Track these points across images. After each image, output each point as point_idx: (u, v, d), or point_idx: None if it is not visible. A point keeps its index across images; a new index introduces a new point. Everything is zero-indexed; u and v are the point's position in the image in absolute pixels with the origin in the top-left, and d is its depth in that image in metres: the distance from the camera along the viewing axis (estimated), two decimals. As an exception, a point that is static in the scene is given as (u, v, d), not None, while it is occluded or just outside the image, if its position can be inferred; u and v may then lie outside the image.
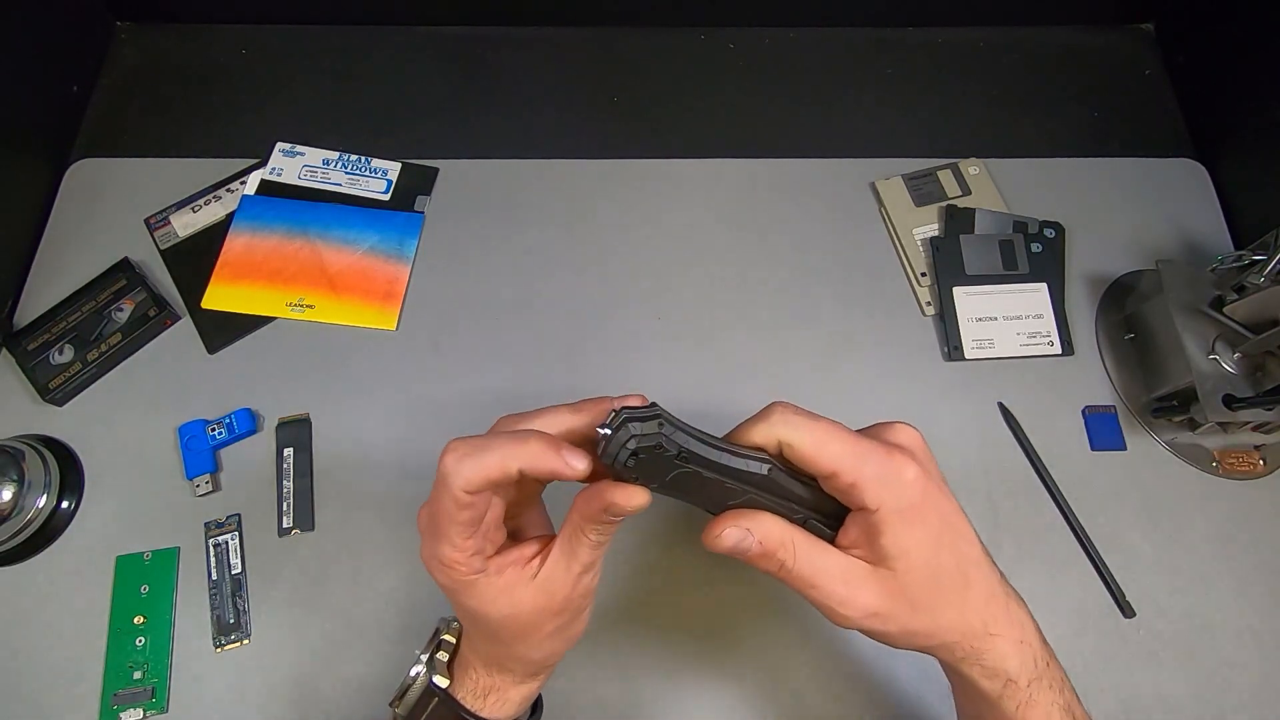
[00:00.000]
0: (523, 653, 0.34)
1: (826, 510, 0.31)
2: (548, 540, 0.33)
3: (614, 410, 0.28)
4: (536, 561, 0.32)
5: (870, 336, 0.59)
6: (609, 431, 0.28)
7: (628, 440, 0.27)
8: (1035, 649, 0.32)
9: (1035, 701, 0.32)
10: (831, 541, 0.31)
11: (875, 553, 0.30)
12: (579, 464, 0.29)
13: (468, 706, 0.35)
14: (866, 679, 0.49)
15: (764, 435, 0.30)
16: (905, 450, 0.30)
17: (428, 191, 0.64)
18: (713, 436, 0.30)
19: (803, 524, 0.31)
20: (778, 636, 0.50)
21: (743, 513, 0.30)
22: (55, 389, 0.55)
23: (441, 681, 0.35)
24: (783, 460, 0.30)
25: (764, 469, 0.29)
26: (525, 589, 0.32)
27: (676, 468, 0.28)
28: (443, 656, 0.36)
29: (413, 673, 0.36)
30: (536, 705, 0.40)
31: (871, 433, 0.31)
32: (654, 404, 0.29)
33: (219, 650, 0.49)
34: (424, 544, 0.31)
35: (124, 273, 0.59)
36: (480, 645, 0.35)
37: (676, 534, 0.52)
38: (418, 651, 0.37)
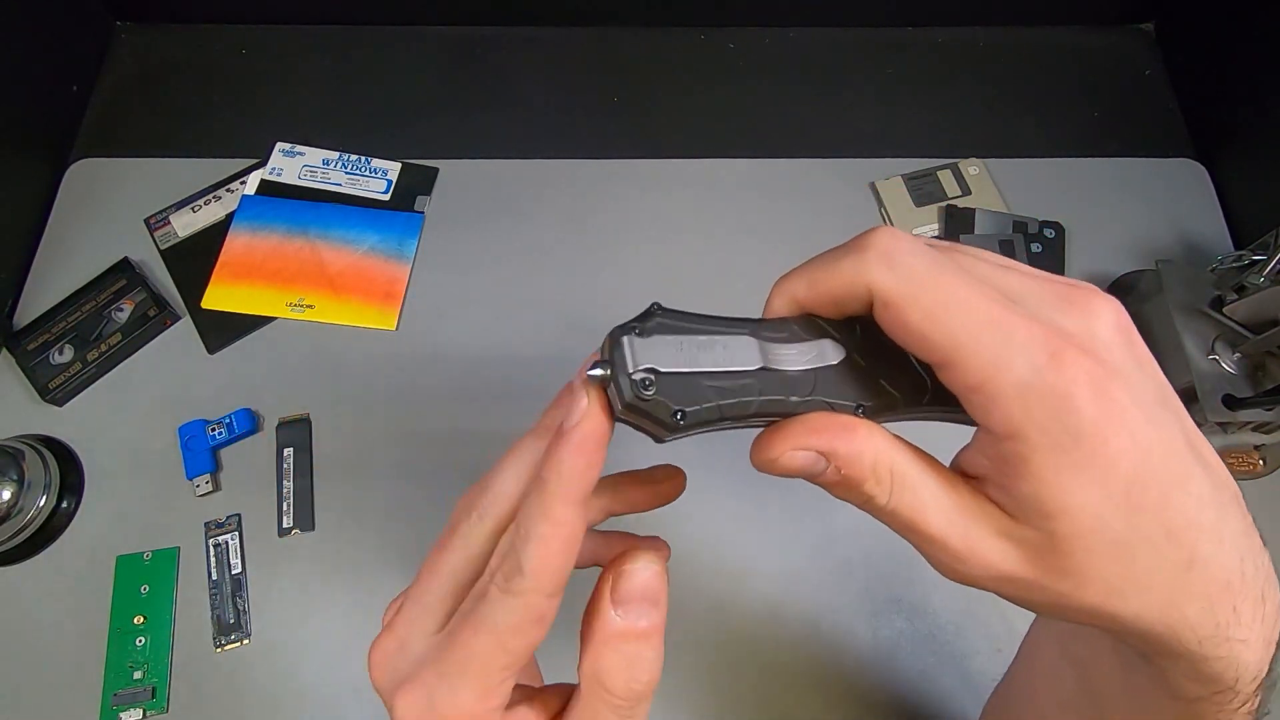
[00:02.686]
0: None
1: (942, 400, 0.21)
2: (560, 691, 0.22)
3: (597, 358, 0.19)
4: None
5: (870, 336, 0.59)
6: (600, 372, 0.19)
7: (634, 368, 0.18)
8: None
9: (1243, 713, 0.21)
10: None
11: (1014, 501, 0.19)
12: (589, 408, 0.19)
13: None
14: (868, 679, 0.49)
15: (849, 278, 0.20)
16: (1083, 345, 0.18)
17: (428, 191, 0.64)
18: (719, 321, 0.20)
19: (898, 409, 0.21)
20: (777, 633, 0.50)
21: (815, 422, 0.20)
22: (55, 389, 0.55)
23: None
24: (865, 331, 0.20)
25: (836, 356, 0.20)
26: None
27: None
28: None
29: None
30: None
31: (1039, 293, 0.19)
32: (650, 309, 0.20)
33: (219, 650, 0.49)
34: (411, 689, 0.20)
35: (124, 273, 0.59)
36: None
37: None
38: None
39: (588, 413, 0.18)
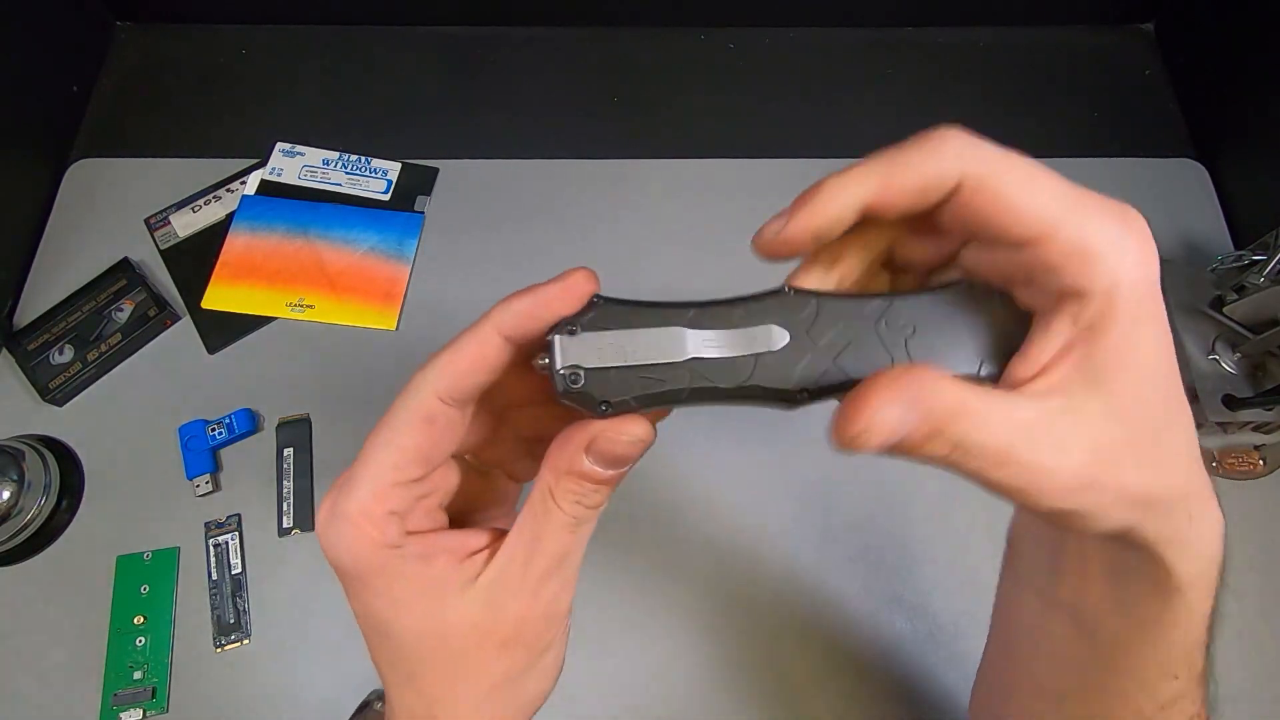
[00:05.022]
0: (453, 710, 0.23)
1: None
2: (503, 535, 0.23)
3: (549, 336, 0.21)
4: (482, 556, 0.23)
5: (870, 336, 0.59)
6: (542, 363, 0.21)
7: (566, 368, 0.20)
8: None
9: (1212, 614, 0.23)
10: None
11: (1091, 364, 0.19)
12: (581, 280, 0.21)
13: None
14: (876, 677, 0.49)
15: (935, 169, 0.20)
16: (1136, 217, 0.20)
17: (428, 191, 0.64)
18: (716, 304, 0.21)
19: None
20: (781, 631, 0.50)
21: (887, 379, 0.19)
22: (55, 389, 0.55)
23: None
24: (823, 310, 0.21)
25: (780, 341, 0.20)
26: (459, 595, 0.22)
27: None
28: None
29: None
30: None
31: (1090, 192, 0.21)
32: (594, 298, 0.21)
33: (219, 650, 0.49)
34: (323, 503, 0.23)
35: (124, 273, 0.59)
36: (395, 695, 0.24)
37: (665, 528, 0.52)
38: None
39: (560, 291, 0.22)
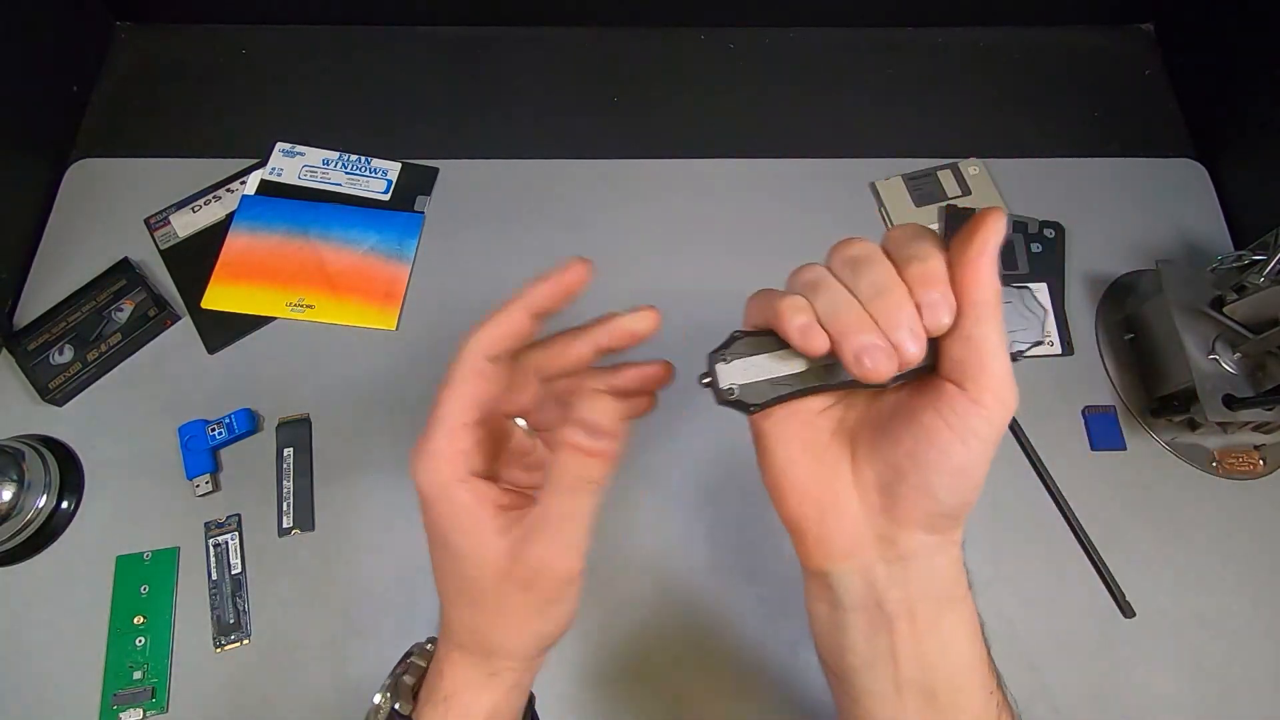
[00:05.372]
0: (493, 626, 0.30)
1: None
2: (529, 501, 0.30)
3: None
4: (514, 513, 0.29)
5: (870, 336, 0.59)
6: (707, 381, 0.29)
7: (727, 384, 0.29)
8: None
9: None
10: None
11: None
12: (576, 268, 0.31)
13: None
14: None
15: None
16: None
17: (428, 191, 0.64)
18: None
19: None
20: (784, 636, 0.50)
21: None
22: (55, 389, 0.55)
23: (404, 708, 0.31)
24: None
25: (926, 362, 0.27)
26: (495, 538, 0.28)
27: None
28: (409, 680, 0.32)
29: (375, 700, 0.32)
30: None
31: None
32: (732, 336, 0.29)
33: (219, 650, 0.49)
34: (417, 442, 0.29)
35: (124, 273, 0.59)
36: (448, 608, 0.31)
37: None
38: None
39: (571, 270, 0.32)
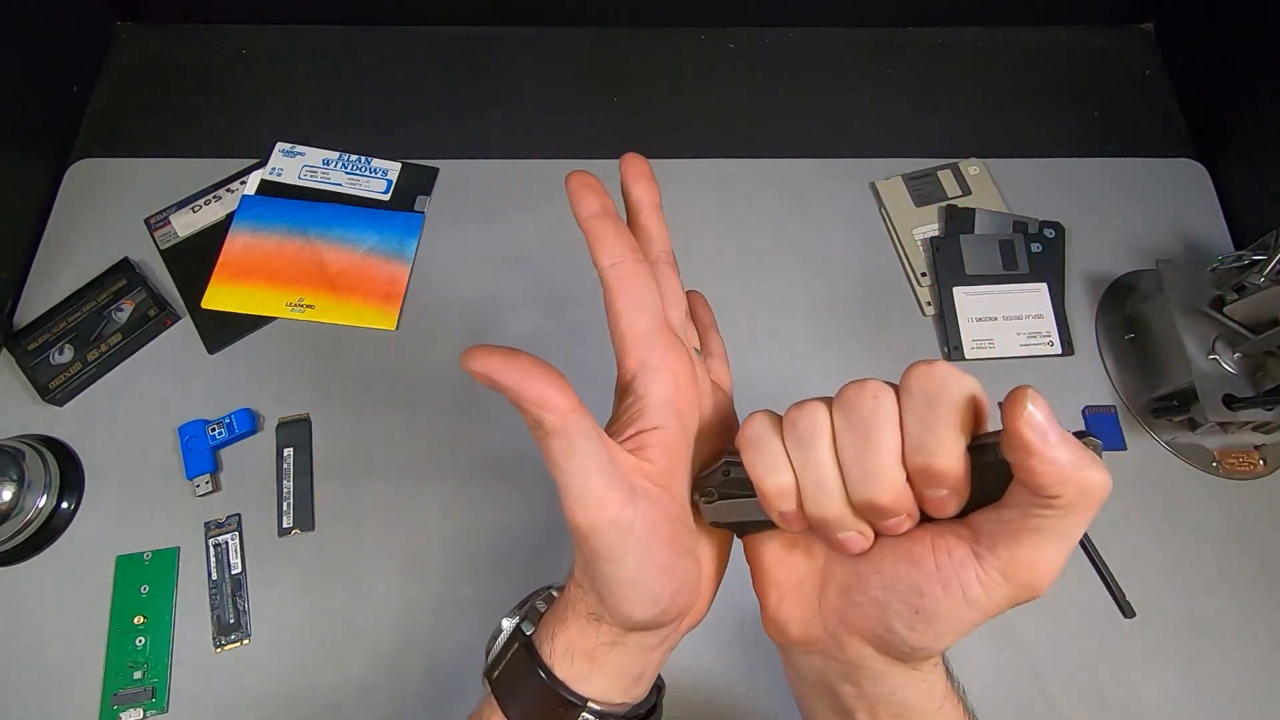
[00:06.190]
0: (584, 582, 0.28)
1: None
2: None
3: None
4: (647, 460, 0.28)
5: (870, 336, 0.59)
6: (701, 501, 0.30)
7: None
8: None
9: None
10: None
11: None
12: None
13: (547, 661, 0.28)
14: None
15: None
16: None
17: (428, 191, 0.64)
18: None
19: None
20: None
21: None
22: (55, 389, 0.55)
23: (527, 628, 0.30)
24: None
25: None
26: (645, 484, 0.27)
27: None
28: (541, 606, 0.31)
29: (504, 623, 0.31)
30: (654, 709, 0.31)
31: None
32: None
33: (219, 650, 0.49)
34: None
35: (124, 273, 0.59)
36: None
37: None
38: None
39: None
